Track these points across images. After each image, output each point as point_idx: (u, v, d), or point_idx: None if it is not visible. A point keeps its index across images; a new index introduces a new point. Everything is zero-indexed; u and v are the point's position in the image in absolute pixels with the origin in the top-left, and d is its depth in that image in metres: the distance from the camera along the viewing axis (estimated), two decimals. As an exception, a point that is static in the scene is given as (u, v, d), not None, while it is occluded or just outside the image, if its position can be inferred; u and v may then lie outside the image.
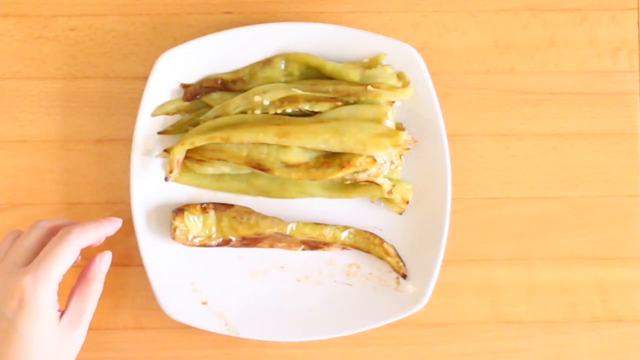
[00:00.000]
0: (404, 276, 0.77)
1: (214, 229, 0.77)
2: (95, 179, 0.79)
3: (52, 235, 0.68)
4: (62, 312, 0.66)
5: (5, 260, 0.66)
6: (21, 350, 0.62)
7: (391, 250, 0.77)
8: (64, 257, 0.65)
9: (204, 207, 0.76)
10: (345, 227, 0.78)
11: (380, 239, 0.78)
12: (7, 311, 0.62)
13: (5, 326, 0.62)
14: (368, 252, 0.78)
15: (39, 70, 0.80)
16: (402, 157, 0.77)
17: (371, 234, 0.78)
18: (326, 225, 0.77)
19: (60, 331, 0.65)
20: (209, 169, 0.77)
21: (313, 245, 0.77)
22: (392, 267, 0.77)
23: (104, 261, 0.70)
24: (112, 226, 0.70)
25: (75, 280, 0.69)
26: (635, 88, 0.80)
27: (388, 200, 0.77)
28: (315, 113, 0.77)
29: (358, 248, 0.78)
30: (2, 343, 0.62)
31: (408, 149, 0.75)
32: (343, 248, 0.78)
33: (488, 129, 0.80)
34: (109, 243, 0.73)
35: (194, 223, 0.76)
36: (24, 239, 0.67)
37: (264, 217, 0.77)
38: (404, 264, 0.77)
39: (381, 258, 0.77)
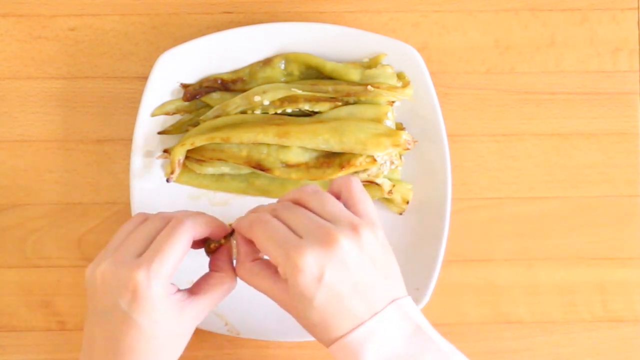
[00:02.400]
0: None
1: None
2: (95, 179, 0.79)
3: None
4: (187, 290, 0.65)
5: (122, 247, 0.64)
6: (140, 340, 0.61)
7: None
8: (176, 249, 0.62)
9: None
10: None
11: None
12: (121, 302, 0.61)
13: (122, 317, 0.61)
14: None
15: (39, 70, 0.80)
16: (402, 157, 0.77)
17: None
18: None
19: (178, 312, 0.63)
20: (209, 169, 0.77)
21: None
22: None
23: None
24: (220, 226, 0.67)
25: None
26: (635, 88, 0.80)
27: (388, 200, 0.77)
28: (315, 113, 0.77)
29: None
30: (120, 333, 0.61)
31: (408, 149, 0.74)
32: None
33: (488, 129, 0.80)
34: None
35: None
36: (143, 228, 0.65)
37: None
38: None
39: None
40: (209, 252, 0.68)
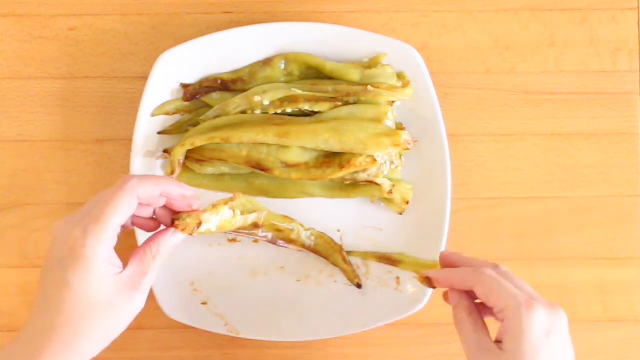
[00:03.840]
0: (359, 286, 0.77)
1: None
2: (95, 179, 0.79)
3: None
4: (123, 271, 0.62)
5: (79, 209, 0.63)
6: (71, 299, 0.59)
7: (348, 260, 0.77)
8: (118, 207, 0.60)
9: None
10: (309, 228, 0.77)
11: (340, 246, 0.77)
12: (61, 259, 0.60)
13: (57, 275, 0.60)
14: (326, 257, 0.77)
15: (39, 70, 0.80)
16: (402, 157, 0.77)
17: (332, 239, 0.77)
18: (294, 220, 0.77)
19: (115, 288, 0.61)
20: (209, 169, 0.77)
21: (273, 240, 0.77)
22: (348, 276, 0.77)
23: (175, 238, 0.65)
24: (176, 186, 0.65)
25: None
26: (635, 88, 0.80)
27: (388, 200, 0.77)
28: (315, 113, 0.77)
29: (316, 252, 0.77)
30: (53, 292, 0.60)
31: (408, 149, 0.75)
32: (300, 250, 0.77)
33: (488, 129, 0.80)
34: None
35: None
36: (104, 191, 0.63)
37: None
38: (358, 275, 0.77)
39: (336, 265, 0.77)
40: (172, 225, 0.65)
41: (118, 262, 0.62)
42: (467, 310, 0.64)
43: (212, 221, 0.67)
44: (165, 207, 0.66)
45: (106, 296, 0.60)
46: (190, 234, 0.66)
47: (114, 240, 0.61)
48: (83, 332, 0.60)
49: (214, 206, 0.68)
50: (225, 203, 0.69)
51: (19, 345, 0.60)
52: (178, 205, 0.66)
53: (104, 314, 0.60)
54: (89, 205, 0.62)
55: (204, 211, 0.66)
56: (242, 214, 0.71)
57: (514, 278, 0.65)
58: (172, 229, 0.65)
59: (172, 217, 0.66)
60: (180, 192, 0.65)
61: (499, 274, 0.64)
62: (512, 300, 0.61)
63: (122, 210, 0.61)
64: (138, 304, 0.63)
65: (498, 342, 0.62)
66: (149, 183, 0.63)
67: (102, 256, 0.60)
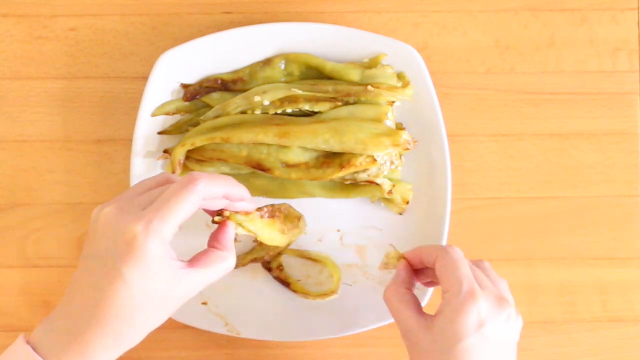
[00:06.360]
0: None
1: None
2: (95, 179, 0.79)
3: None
4: (189, 261, 0.62)
5: (134, 197, 0.61)
6: (126, 293, 0.58)
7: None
8: (183, 206, 0.59)
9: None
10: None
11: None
12: (115, 252, 0.58)
13: (111, 267, 0.58)
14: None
15: (39, 70, 0.80)
16: (402, 157, 0.77)
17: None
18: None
19: (171, 282, 0.60)
20: (209, 169, 0.77)
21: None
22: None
23: (231, 229, 0.65)
24: (239, 189, 0.64)
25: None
26: (635, 88, 0.81)
27: (388, 200, 0.77)
28: (315, 113, 0.77)
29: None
30: (105, 283, 0.58)
31: (408, 148, 0.74)
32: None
33: (488, 129, 0.80)
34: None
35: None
36: (161, 186, 0.62)
37: None
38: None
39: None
40: (215, 222, 0.65)
41: (173, 254, 0.61)
42: (396, 285, 0.66)
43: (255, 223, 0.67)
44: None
45: (162, 291, 0.59)
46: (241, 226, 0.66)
47: (171, 237, 0.60)
48: (134, 324, 0.59)
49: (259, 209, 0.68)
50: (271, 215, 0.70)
51: (60, 330, 0.59)
52: (235, 209, 0.65)
53: (157, 306, 0.60)
54: (142, 195, 0.61)
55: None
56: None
57: (490, 274, 0.66)
58: (229, 222, 0.65)
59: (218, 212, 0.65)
60: (240, 195, 0.65)
61: (478, 267, 0.66)
62: (457, 285, 0.62)
63: (186, 210, 0.60)
64: (191, 292, 0.62)
65: (431, 316, 0.63)
66: (215, 186, 0.62)
67: (161, 253, 0.59)
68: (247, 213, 0.66)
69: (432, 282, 0.69)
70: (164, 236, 0.59)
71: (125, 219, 0.59)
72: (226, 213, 0.65)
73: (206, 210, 0.66)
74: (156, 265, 0.59)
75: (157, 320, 0.61)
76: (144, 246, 0.58)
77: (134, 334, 0.60)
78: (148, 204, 0.60)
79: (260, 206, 0.68)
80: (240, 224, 0.66)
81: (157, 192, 0.61)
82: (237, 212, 0.65)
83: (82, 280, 0.60)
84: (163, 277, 0.59)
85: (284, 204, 0.72)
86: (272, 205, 0.71)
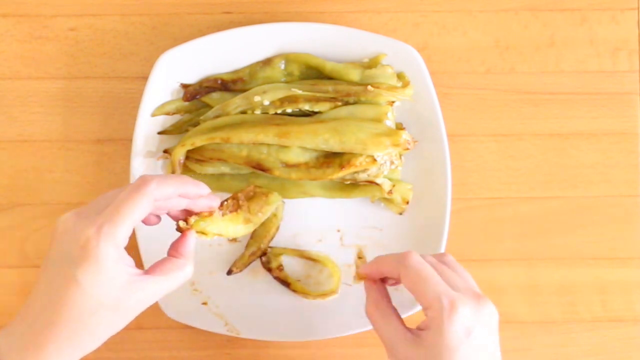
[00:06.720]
0: None
1: None
2: (95, 179, 0.79)
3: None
4: (147, 270, 0.62)
5: (94, 202, 0.62)
6: (80, 297, 0.58)
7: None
8: (134, 209, 0.60)
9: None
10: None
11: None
12: (70, 257, 0.59)
13: (66, 272, 0.59)
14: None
15: (39, 70, 0.80)
16: (402, 157, 0.77)
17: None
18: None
19: (125, 287, 0.60)
20: (209, 169, 0.77)
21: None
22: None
23: (192, 238, 0.65)
24: (194, 187, 0.64)
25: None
26: (635, 88, 0.81)
27: (388, 200, 0.77)
28: (315, 113, 0.77)
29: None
30: (60, 288, 0.59)
31: (408, 148, 0.74)
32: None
33: (488, 129, 0.80)
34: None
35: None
36: (116, 189, 0.62)
37: None
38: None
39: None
40: (178, 230, 0.65)
41: (129, 260, 0.61)
42: (375, 300, 0.65)
43: (215, 223, 0.67)
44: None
45: (116, 295, 0.60)
46: (204, 234, 0.65)
47: (125, 241, 0.61)
48: (89, 329, 0.60)
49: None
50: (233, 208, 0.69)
51: (18, 334, 0.60)
52: (197, 207, 0.65)
53: (111, 312, 0.60)
54: (101, 202, 0.62)
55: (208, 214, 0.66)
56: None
57: (457, 268, 0.65)
58: (190, 232, 0.65)
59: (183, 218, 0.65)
60: (197, 192, 0.64)
61: (444, 264, 0.65)
62: (435, 301, 0.61)
63: (138, 213, 0.60)
64: (148, 301, 0.62)
65: (420, 329, 0.62)
66: (168, 186, 0.62)
67: (114, 256, 0.59)
68: (210, 213, 0.65)
69: (397, 282, 0.68)
70: (117, 240, 0.59)
71: (80, 224, 0.60)
72: (190, 220, 0.65)
73: (170, 215, 0.66)
74: (110, 270, 0.59)
75: (112, 326, 0.61)
76: (96, 250, 0.58)
77: (89, 340, 0.60)
78: (104, 208, 0.61)
79: (221, 202, 0.68)
80: (203, 232, 0.65)
81: (111, 197, 0.62)
82: (199, 214, 0.65)
83: (40, 285, 0.60)
84: (116, 282, 0.59)
85: (248, 187, 0.72)
86: (234, 196, 0.70)
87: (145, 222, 0.65)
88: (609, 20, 0.81)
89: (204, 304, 0.77)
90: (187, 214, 0.65)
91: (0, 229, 0.79)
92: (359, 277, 0.68)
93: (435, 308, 0.61)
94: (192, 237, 0.65)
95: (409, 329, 0.64)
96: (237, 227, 0.70)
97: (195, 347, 0.79)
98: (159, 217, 0.66)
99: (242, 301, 0.78)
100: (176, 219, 0.66)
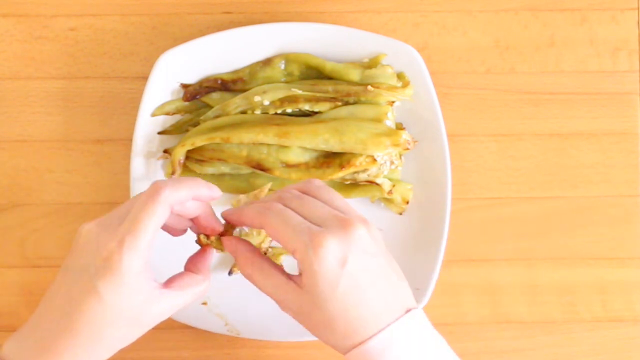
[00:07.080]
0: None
1: None
2: (95, 179, 0.79)
3: None
4: (167, 281, 0.62)
5: (117, 210, 0.61)
6: (100, 308, 0.58)
7: None
8: (152, 218, 0.59)
9: None
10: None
11: None
12: (93, 267, 0.59)
13: (87, 283, 0.59)
14: None
15: (39, 70, 0.80)
16: (402, 157, 0.77)
17: None
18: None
19: (145, 301, 0.60)
20: (209, 169, 0.77)
21: None
22: None
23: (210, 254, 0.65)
24: (207, 189, 0.63)
25: None
26: (635, 88, 0.81)
27: (388, 200, 0.77)
28: (315, 113, 0.77)
29: None
30: (80, 298, 0.59)
31: (408, 148, 0.75)
32: None
33: (488, 129, 0.80)
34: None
35: None
36: (135, 196, 0.62)
37: None
38: None
39: None
40: (198, 243, 0.65)
41: (150, 273, 0.61)
42: (248, 259, 0.63)
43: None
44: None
45: (135, 309, 0.60)
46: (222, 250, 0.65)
47: (149, 250, 0.60)
48: (105, 339, 0.60)
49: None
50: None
51: (32, 340, 0.60)
52: (204, 224, 0.64)
53: (129, 324, 0.60)
54: (121, 210, 0.61)
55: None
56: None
57: (322, 194, 0.63)
58: (210, 248, 0.65)
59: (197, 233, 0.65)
60: (210, 195, 0.63)
61: (308, 193, 0.62)
62: (298, 242, 0.59)
63: (156, 221, 0.60)
64: (164, 315, 0.62)
65: (297, 275, 0.61)
66: (181, 190, 0.61)
67: (137, 269, 0.59)
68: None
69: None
70: (140, 251, 0.59)
71: (103, 236, 0.60)
72: (212, 238, 0.65)
73: (192, 229, 0.66)
74: (133, 282, 0.59)
75: (127, 338, 0.61)
76: (119, 263, 0.58)
77: (103, 350, 0.60)
78: (122, 219, 0.60)
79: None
80: (219, 248, 0.65)
81: (127, 205, 0.62)
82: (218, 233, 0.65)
83: (58, 292, 0.60)
84: (137, 296, 0.59)
85: (259, 188, 0.71)
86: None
87: (171, 232, 0.66)
88: (609, 20, 0.81)
89: (204, 304, 0.77)
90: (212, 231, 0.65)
91: (0, 229, 0.79)
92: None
93: (300, 250, 0.59)
94: (211, 254, 0.65)
95: (290, 277, 0.61)
96: (253, 238, 0.69)
97: (195, 347, 0.79)
98: (184, 230, 0.66)
99: (242, 301, 0.77)
100: (197, 232, 0.66)
